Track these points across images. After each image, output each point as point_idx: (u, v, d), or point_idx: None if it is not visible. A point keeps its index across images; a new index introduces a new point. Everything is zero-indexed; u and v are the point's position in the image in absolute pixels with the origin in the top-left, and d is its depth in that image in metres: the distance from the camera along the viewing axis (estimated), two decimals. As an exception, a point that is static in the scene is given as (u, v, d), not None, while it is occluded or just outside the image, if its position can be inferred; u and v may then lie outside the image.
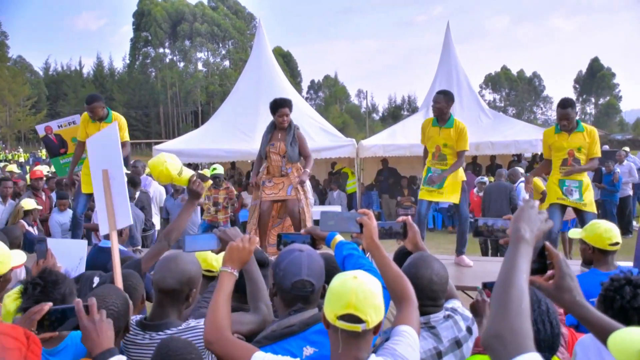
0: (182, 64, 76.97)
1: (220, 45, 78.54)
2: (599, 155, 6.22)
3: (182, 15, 74.25)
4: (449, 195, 6.61)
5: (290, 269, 2.19)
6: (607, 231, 3.80)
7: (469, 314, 2.51)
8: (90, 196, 7.02)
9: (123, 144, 6.89)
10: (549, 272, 1.62)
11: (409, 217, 2.79)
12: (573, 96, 77.54)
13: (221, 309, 2.12)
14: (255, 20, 72.14)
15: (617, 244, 3.77)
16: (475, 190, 11.26)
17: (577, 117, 6.27)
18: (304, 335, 2.03)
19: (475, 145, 13.20)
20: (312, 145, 12.33)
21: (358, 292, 1.74)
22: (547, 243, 1.62)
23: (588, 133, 6.17)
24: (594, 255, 3.83)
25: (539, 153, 13.92)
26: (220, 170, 9.30)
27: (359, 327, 1.73)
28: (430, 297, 2.40)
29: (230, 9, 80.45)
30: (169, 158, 3.47)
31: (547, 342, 1.93)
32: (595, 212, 6.29)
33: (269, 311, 2.47)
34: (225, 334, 2.07)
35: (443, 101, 6.57)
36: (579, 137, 6.15)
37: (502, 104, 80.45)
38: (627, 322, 1.90)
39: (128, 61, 78.29)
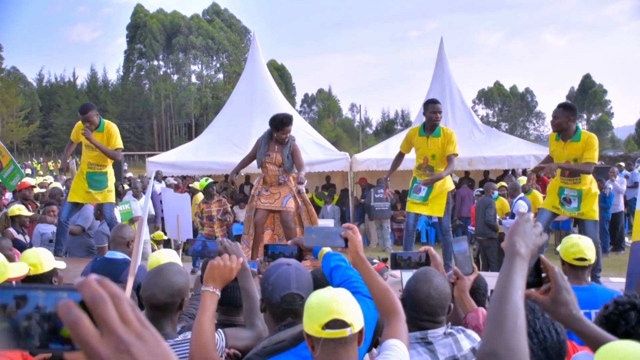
0: (176, 77, 77.00)
1: (215, 58, 78.72)
2: (594, 160, 5.95)
3: (178, 28, 74.42)
4: (434, 207, 6.60)
5: (279, 282, 2.19)
6: (573, 245, 3.68)
7: (477, 337, 2.44)
8: (75, 205, 7.02)
9: (116, 151, 6.99)
10: (545, 286, 1.60)
11: (431, 248, 2.79)
12: (565, 112, 77.77)
13: (206, 330, 2.12)
14: (250, 34, 72.40)
15: (583, 259, 3.64)
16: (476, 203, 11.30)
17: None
18: (295, 351, 2.01)
19: (468, 160, 13.24)
20: (305, 159, 12.28)
21: (336, 298, 1.79)
22: (542, 256, 1.60)
23: (584, 140, 5.95)
24: (565, 269, 3.77)
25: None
26: (202, 184, 9.21)
27: (345, 332, 1.75)
28: (427, 312, 2.35)
29: (225, 22, 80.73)
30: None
31: (554, 349, 1.91)
32: (596, 219, 6.13)
33: (264, 327, 2.46)
34: (212, 355, 2.06)
35: (441, 108, 6.62)
36: (574, 147, 5.99)
37: (495, 119, 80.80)
38: None
39: (122, 73, 78.35)
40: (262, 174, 6.54)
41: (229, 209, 9.33)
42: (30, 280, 3.57)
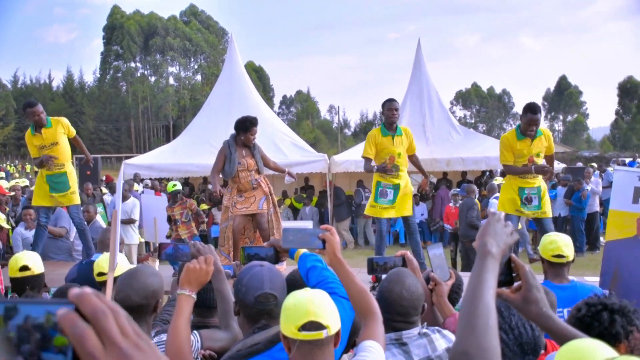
0: (153, 78, 76.41)
1: (192, 59, 78.29)
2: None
3: (155, 30, 73.84)
4: (402, 208, 6.65)
5: (252, 283, 2.19)
6: (551, 242, 3.73)
7: (453, 337, 2.42)
8: (48, 208, 6.93)
9: (74, 139, 6.92)
10: (516, 284, 1.61)
11: (407, 252, 2.79)
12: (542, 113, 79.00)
13: (182, 334, 2.12)
14: (228, 35, 72.14)
15: (560, 256, 3.67)
16: (451, 203, 11.38)
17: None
18: (270, 354, 2.01)
19: (446, 161, 13.35)
20: (283, 160, 12.41)
21: (314, 300, 1.79)
22: (513, 255, 1.62)
23: (546, 136, 6.29)
24: (545, 266, 3.82)
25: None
26: (177, 186, 9.12)
27: (321, 334, 1.75)
28: (400, 313, 2.35)
29: (202, 24, 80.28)
30: None
31: (530, 345, 1.93)
32: (550, 216, 6.36)
33: (240, 329, 2.45)
34: (187, 358, 2.05)
35: (399, 106, 6.75)
36: (539, 143, 6.23)
37: (473, 121, 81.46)
38: None
39: (98, 75, 77.49)
40: (235, 183, 6.46)
41: (198, 209, 9.28)
42: (24, 281, 3.65)
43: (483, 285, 1.34)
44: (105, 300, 0.73)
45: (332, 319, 1.79)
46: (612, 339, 1.98)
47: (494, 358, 1.21)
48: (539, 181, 6.30)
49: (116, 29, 73.83)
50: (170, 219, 8.94)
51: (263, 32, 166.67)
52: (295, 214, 14.63)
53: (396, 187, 6.59)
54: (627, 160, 22.90)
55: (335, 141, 60.98)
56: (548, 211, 6.28)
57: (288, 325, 1.77)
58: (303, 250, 2.48)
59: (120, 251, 4.51)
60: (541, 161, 6.29)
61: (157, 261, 6.65)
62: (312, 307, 1.76)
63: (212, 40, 78.37)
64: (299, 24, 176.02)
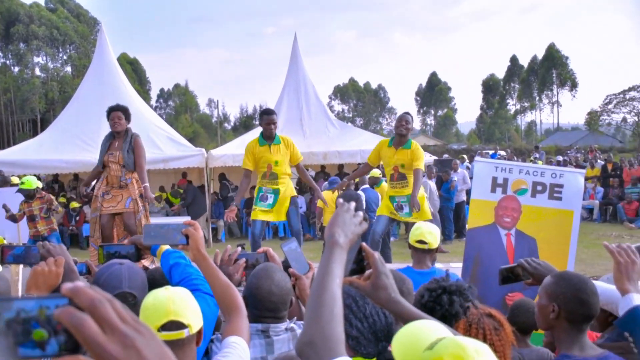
0: (17, 69, 71.35)
1: (61, 49, 73.94)
2: (422, 168, 6.50)
3: (16, 17, 68.90)
4: (280, 214, 6.69)
5: (110, 282, 2.13)
6: (417, 229, 3.89)
7: None
8: None
9: None
10: (367, 272, 1.65)
11: (269, 249, 2.79)
12: (414, 108, 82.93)
13: None
14: (100, 25, 68.92)
15: (423, 242, 3.82)
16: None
17: (413, 132, 6.63)
18: None
19: (323, 154, 13.60)
20: (160, 155, 12.11)
21: (174, 299, 1.76)
22: (364, 244, 1.66)
23: (412, 150, 6.45)
24: (411, 253, 3.96)
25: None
26: (31, 184, 8.60)
27: (182, 334, 1.73)
28: (269, 309, 2.36)
29: (71, 12, 75.96)
30: None
31: (383, 332, 2.02)
32: (429, 218, 6.54)
33: None
34: None
35: (276, 120, 6.68)
36: (404, 154, 6.43)
37: (351, 115, 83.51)
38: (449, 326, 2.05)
39: (-48, 64, 71.15)
40: (106, 173, 6.31)
41: (54, 203, 8.88)
42: None
43: (330, 275, 1.37)
44: (100, 291, 0.75)
45: (193, 317, 1.77)
46: (453, 318, 2.13)
47: (338, 345, 1.25)
48: (409, 189, 6.47)
49: (-28, 14, 68.11)
50: (26, 215, 8.50)
51: (138, 23, 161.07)
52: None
53: (276, 192, 6.61)
54: (490, 152, 24.48)
55: (215, 135, 60.09)
56: (421, 216, 6.39)
57: None
58: (166, 247, 2.44)
59: None
60: (406, 172, 6.47)
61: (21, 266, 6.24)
62: (172, 306, 1.74)
63: (82, 30, 74.37)
64: (175, 16, 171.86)
